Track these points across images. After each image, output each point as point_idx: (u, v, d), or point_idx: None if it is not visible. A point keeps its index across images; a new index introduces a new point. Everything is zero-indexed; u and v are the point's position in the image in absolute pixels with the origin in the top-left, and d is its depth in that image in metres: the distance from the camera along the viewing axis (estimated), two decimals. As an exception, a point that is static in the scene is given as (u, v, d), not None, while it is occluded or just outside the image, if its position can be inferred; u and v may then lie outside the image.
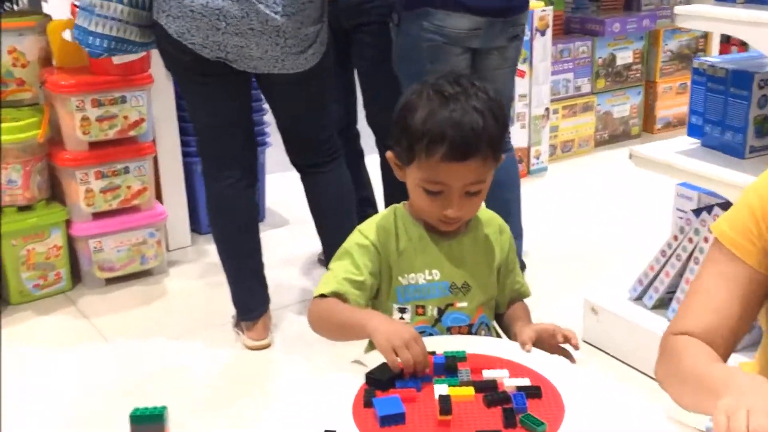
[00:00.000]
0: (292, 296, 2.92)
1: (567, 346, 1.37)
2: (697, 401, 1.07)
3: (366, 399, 1.15)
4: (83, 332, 2.74)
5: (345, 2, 2.65)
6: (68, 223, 2.98)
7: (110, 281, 3.05)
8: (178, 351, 2.59)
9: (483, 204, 1.47)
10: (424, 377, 1.21)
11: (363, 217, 1.49)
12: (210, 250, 3.21)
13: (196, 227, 3.44)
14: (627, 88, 4.47)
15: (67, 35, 2.94)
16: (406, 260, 1.38)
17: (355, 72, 2.94)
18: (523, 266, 2.72)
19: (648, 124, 4.63)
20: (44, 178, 2.95)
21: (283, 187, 3.63)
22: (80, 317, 2.85)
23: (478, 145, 1.29)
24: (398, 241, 1.39)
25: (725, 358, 1.15)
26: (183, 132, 3.27)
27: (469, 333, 1.40)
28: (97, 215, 2.99)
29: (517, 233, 2.67)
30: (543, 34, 3.91)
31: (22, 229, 2.89)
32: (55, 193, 3.02)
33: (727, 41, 4.63)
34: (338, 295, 1.34)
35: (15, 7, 3.42)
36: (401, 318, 1.37)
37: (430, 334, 1.37)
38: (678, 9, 2.09)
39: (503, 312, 1.51)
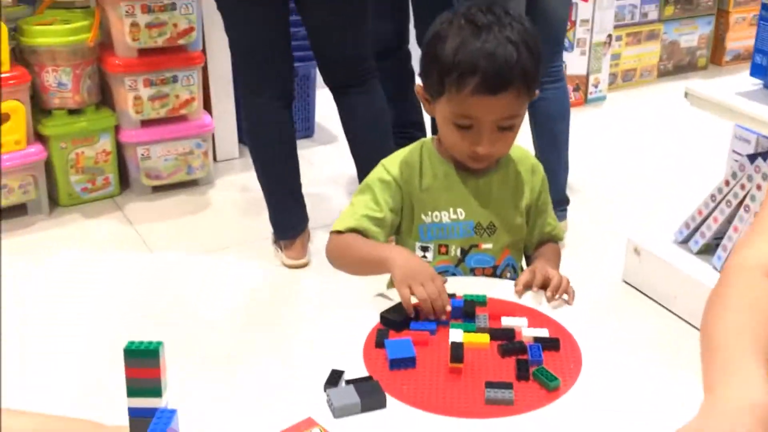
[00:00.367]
0: (334, 215, 2.89)
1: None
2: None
3: (378, 339, 1.14)
4: (127, 238, 2.79)
5: None
6: (117, 129, 3.00)
7: (157, 189, 3.08)
8: (216, 264, 2.62)
9: (515, 141, 1.41)
10: (441, 321, 1.18)
11: (411, 141, 1.44)
12: (256, 163, 3.21)
13: (244, 139, 3.43)
14: (697, 17, 4.26)
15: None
16: (430, 198, 1.34)
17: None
18: (566, 201, 2.65)
19: (716, 55, 4.43)
20: (94, 82, 2.96)
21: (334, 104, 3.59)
22: (126, 223, 2.89)
23: (512, 78, 1.23)
24: (422, 177, 1.35)
25: None
26: (234, 43, 3.23)
27: (494, 275, 1.37)
28: (146, 123, 2.99)
29: (564, 167, 2.60)
30: (611, -44, 3.73)
31: (71, 132, 2.91)
32: (105, 98, 3.03)
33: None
34: (357, 232, 1.32)
35: None
36: (423, 257, 1.34)
37: (453, 275, 1.34)
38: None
39: (531, 254, 1.46)
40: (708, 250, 2.29)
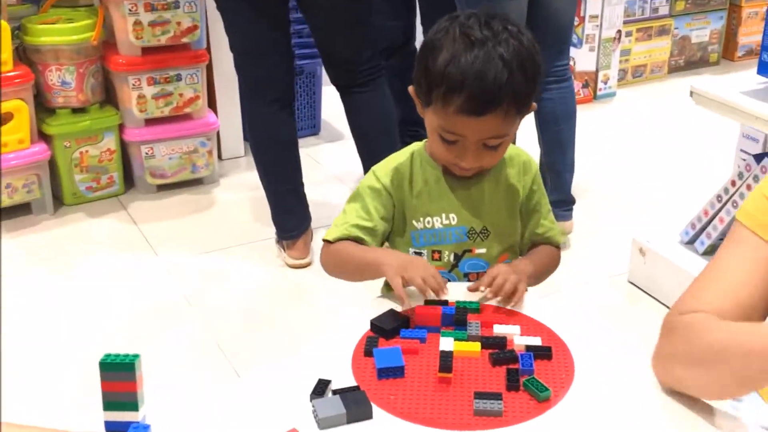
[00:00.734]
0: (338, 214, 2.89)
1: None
2: (744, 371, 0.93)
3: (367, 348, 1.12)
4: (131, 238, 2.78)
5: None
6: (121, 127, 2.99)
7: (161, 188, 3.08)
8: (219, 263, 2.61)
9: (516, 137, 1.37)
10: (432, 328, 1.16)
11: (416, 139, 1.41)
12: (261, 161, 3.19)
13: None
14: (708, 12, 4.22)
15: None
16: (422, 204, 1.32)
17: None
18: (572, 201, 2.62)
19: (728, 51, 4.39)
20: (98, 81, 2.95)
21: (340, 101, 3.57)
22: (130, 222, 2.89)
23: (499, 99, 1.19)
24: (413, 184, 1.32)
25: None
26: (238, 40, 3.21)
27: (488, 281, 1.34)
28: (150, 121, 2.99)
29: (569, 168, 2.57)
30: (621, -50, 3.69)
31: (75, 131, 2.91)
32: (109, 97, 3.03)
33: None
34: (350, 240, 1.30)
35: None
36: (415, 257, 1.33)
37: (447, 280, 1.32)
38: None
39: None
40: (714, 250, 2.25)
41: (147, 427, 0.78)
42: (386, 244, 1.39)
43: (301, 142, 3.24)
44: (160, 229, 2.83)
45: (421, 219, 1.32)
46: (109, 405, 0.80)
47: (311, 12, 2.36)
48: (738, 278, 1.04)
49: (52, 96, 2.88)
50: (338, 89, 2.53)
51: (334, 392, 1.02)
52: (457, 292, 1.25)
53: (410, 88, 1.31)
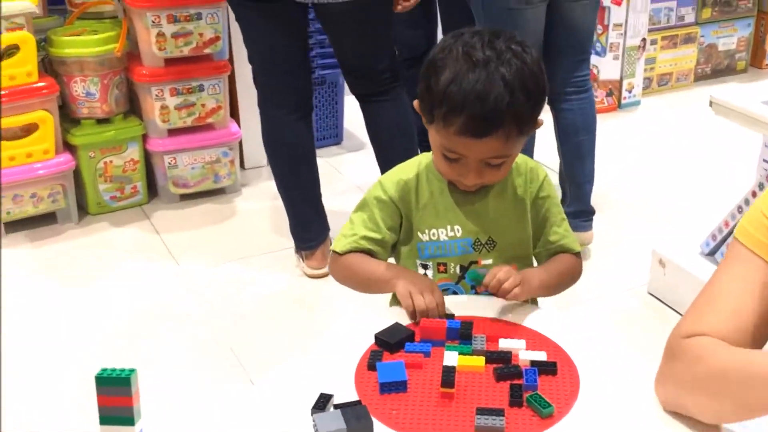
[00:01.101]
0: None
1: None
2: (747, 397, 0.93)
3: (371, 362, 1.12)
4: (154, 247, 2.81)
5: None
6: (144, 138, 3.03)
7: (184, 197, 3.11)
8: (238, 272, 2.63)
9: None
10: (436, 342, 1.16)
11: None
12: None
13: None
14: (736, 19, 4.17)
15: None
16: (428, 216, 1.32)
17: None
18: (592, 212, 2.60)
19: (756, 58, 4.33)
20: (122, 92, 2.99)
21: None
22: (152, 232, 2.92)
23: (500, 121, 1.18)
24: (419, 195, 1.32)
25: None
26: (260, 51, 3.24)
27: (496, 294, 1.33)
28: (173, 131, 3.02)
29: (588, 178, 2.54)
30: (645, -42, 3.67)
31: (99, 141, 2.95)
32: (132, 107, 3.06)
33: None
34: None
35: None
36: (423, 275, 1.32)
37: (454, 292, 1.32)
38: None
39: None
40: (736, 262, 2.22)
41: (142, 440, 0.79)
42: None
43: (323, 151, 3.27)
44: (182, 239, 2.86)
45: (427, 231, 1.32)
46: (105, 420, 0.81)
47: (329, 21, 2.38)
48: (738, 299, 1.02)
49: (77, 107, 2.92)
50: (357, 98, 2.54)
51: (336, 406, 1.02)
52: (465, 305, 1.25)
53: (415, 103, 1.30)
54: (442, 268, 1.32)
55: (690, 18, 4.04)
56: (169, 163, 3.03)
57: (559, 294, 1.36)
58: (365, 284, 1.33)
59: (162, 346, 2.25)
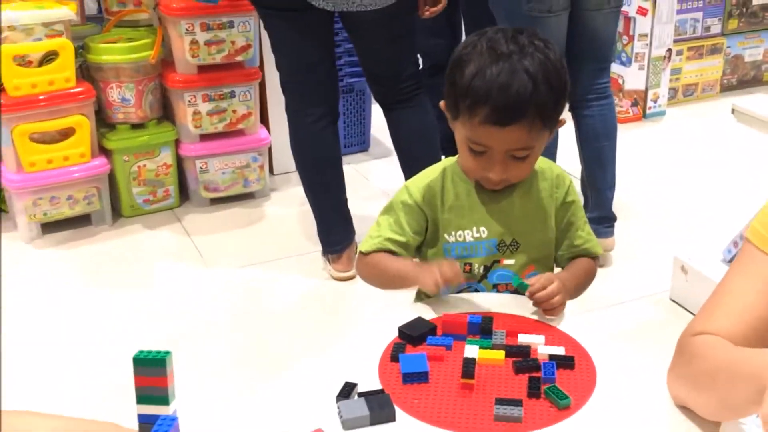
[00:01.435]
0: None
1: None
2: (730, 396, 0.95)
3: (394, 353, 1.17)
4: (185, 249, 2.88)
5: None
6: (177, 142, 3.10)
7: (214, 201, 3.18)
8: (267, 274, 2.68)
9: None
10: (458, 336, 1.21)
11: None
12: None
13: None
14: (762, 30, 4.18)
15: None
16: (453, 218, 1.37)
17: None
18: (613, 218, 2.64)
19: (784, 69, 4.34)
20: (156, 98, 3.07)
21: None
22: (184, 234, 2.99)
23: (524, 111, 1.23)
24: (444, 199, 1.37)
25: None
26: (290, 59, 3.30)
27: (516, 291, 1.38)
28: (204, 137, 3.09)
29: (610, 185, 2.58)
30: (671, -31, 3.69)
31: (133, 146, 3.03)
32: (166, 113, 3.14)
33: None
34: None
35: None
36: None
37: (476, 290, 1.37)
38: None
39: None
40: (757, 269, 2.24)
41: (174, 418, 0.84)
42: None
43: (350, 158, 3.32)
44: (212, 241, 2.92)
45: (453, 232, 1.36)
46: (141, 399, 0.86)
47: (354, 29, 2.43)
48: (748, 299, 1.04)
49: (113, 112, 3.00)
50: (381, 105, 2.60)
51: (360, 395, 1.07)
52: (486, 302, 1.30)
53: (441, 103, 1.35)
54: (467, 268, 1.36)
55: (716, 29, 4.06)
56: (201, 168, 3.11)
57: (579, 298, 1.40)
58: (389, 281, 1.38)
59: (193, 346, 2.31)
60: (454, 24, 3.01)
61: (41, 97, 2.75)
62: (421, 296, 1.40)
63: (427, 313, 1.28)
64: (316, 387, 1.11)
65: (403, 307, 1.33)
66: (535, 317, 1.28)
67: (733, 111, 2.12)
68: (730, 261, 2.29)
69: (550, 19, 2.30)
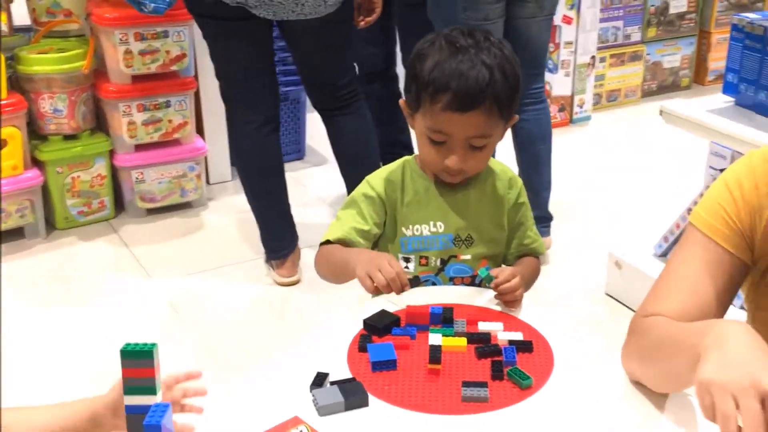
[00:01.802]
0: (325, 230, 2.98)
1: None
2: (672, 367, 1.02)
3: (361, 344, 1.20)
4: (124, 260, 2.85)
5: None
6: (112, 153, 3.07)
7: (151, 211, 3.15)
8: (211, 282, 2.68)
9: (495, 157, 1.48)
10: (421, 326, 1.25)
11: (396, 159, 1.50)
12: (248, 185, 3.27)
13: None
14: (679, 38, 4.37)
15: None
16: (412, 212, 1.41)
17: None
18: (549, 218, 2.73)
19: (699, 75, 4.54)
20: (89, 108, 3.03)
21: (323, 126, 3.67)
22: (121, 245, 2.95)
23: (482, 98, 1.31)
24: (404, 193, 1.42)
25: None
26: (225, 68, 3.31)
27: (472, 284, 1.43)
28: (140, 147, 3.07)
29: (546, 186, 2.68)
30: (593, -20, 3.84)
31: (67, 157, 2.98)
32: (99, 123, 3.11)
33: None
34: (344, 243, 1.39)
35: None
36: (406, 267, 1.41)
37: (433, 283, 1.41)
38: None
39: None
40: (686, 262, 2.35)
41: (167, 405, 0.86)
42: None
43: (286, 166, 3.32)
44: (152, 252, 2.90)
45: (410, 226, 1.41)
46: (130, 390, 0.87)
47: (292, 38, 2.47)
48: (693, 280, 1.12)
49: (45, 123, 2.96)
50: (320, 113, 2.63)
51: (332, 383, 1.10)
52: (448, 295, 1.34)
53: (401, 101, 1.43)
54: (423, 261, 1.42)
55: (636, 37, 4.22)
56: (137, 178, 3.08)
57: (526, 294, 1.46)
58: (337, 273, 1.39)
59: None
60: (387, 33, 3.06)
61: (-29, 109, 2.70)
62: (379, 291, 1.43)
63: (390, 306, 1.31)
64: (289, 379, 1.13)
65: (353, 312, 1.32)
66: (493, 307, 1.33)
67: (661, 112, 2.23)
68: (662, 255, 2.41)
69: (486, 28, 2.37)
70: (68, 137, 2.99)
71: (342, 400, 1.06)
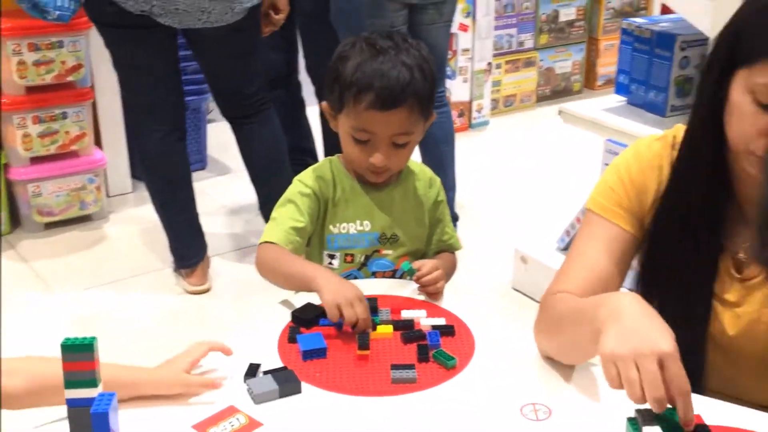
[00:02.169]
0: (232, 243, 2.97)
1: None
2: (575, 339, 1.09)
3: (290, 335, 1.21)
4: (23, 276, 2.76)
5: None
6: (6, 167, 2.97)
7: (49, 226, 3.06)
8: (118, 294, 2.63)
9: (416, 158, 1.53)
10: (346, 316, 1.27)
11: (304, 167, 1.51)
12: (151, 196, 3.23)
13: (137, 174, 3.44)
14: (569, 45, 4.54)
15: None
16: (340, 210, 1.44)
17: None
18: (455, 218, 2.79)
19: (589, 80, 4.72)
20: (-19, 121, 2.93)
21: (225, 136, 3.64)
22: (20, 261, 2.86)
23: (404, 97, 1.35)
24: (335, 190, 1.44)
25: None
26: (124, 78, 3.25)
27: (393, 278, 1.47)
28: (36, 160, 2.98)
29: (450, 186, 2.75)
30: (487, -11, 3.95)
31: (-42, 172, 2.87)
32: (-8, 136, 3.00)
33: None
34: (286, 244, 1.39)
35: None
36: (330, 264, 1.44)
37: (355, 278, 1.44)
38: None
39: None
40: (588, 255, 2.46)
41: (113, 393, 0.85)
42: None
43: (189, 176, 3.30)
44: (54, 266, 2.82)
45: (338, 224, 1.44)
46: (70, 384, 0.86)
47: (199, 46, 2.45)
48: (593, 258, 1.21)
49: (-66, 137, 2.84)
50: (229, 121, 2.62)
51: (265, 373, 1.11)
52: (371, 287, 1.37)
53: (323, 104, 1.45)
54: (349, 258, 1.44)
55: (529, 44, 4.37)
56: (33, 192, 2.99)
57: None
58: (291, 282, 1.37)
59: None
60: (290, 40, 3.08)
61: None
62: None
63: (316, 299, 1.32)
64: (222, 370, 1.13)
65: (272, 316, 1.31)
66: (416, 297, 1.37)
67: (560, 112, 2.33)
68: (564, 249, 2.50)
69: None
70: (-41, 151, 2.89)
71: (276, 387, 1.07)
